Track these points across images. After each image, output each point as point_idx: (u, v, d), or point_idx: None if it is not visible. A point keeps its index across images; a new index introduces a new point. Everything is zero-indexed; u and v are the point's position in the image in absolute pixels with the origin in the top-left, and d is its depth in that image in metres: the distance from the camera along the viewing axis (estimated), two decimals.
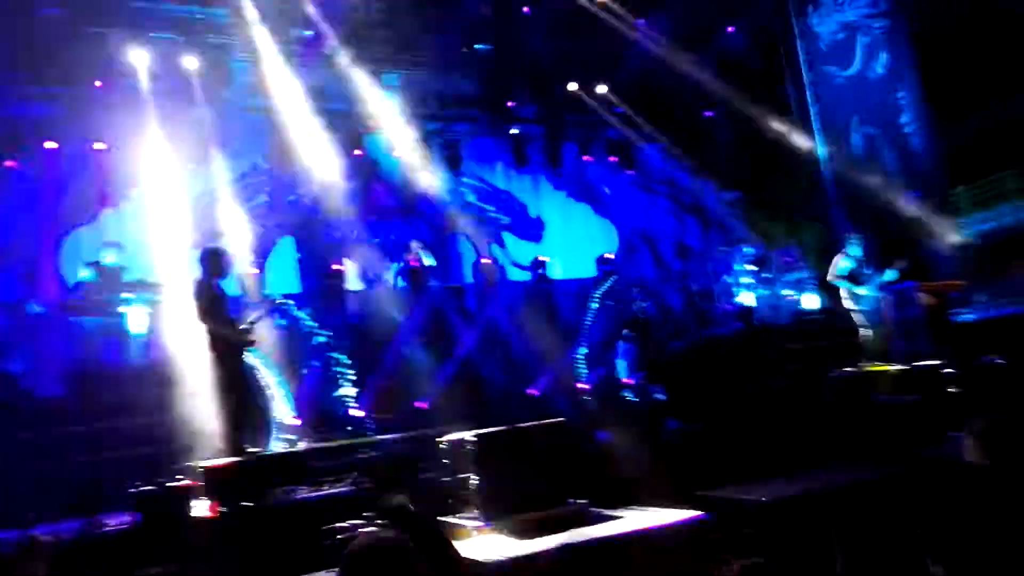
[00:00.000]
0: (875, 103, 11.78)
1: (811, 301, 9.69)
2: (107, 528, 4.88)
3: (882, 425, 6.61)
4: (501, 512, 5.59)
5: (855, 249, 8.96)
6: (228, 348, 6.09)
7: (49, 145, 9.74)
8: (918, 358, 7.90)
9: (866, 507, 4.94)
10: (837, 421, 6.81)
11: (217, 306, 6.13)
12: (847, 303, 8.84)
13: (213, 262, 6.37)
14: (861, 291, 8.75)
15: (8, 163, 9.52)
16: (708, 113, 14.12)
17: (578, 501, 5.55)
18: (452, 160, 12.69)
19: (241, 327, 6.27)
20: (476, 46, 12.66)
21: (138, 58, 9.97)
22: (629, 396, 8.62)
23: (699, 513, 5.29)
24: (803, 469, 5.93)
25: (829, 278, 8.96)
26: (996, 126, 9.96)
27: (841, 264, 8.87)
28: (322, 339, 7.82)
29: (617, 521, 5.26)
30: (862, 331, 8.67)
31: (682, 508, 5.42)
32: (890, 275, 8.68)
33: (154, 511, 4.87)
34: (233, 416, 6.10)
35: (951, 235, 10.36)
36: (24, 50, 9.29)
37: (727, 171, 13.95)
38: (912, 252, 9.53)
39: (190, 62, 10.48)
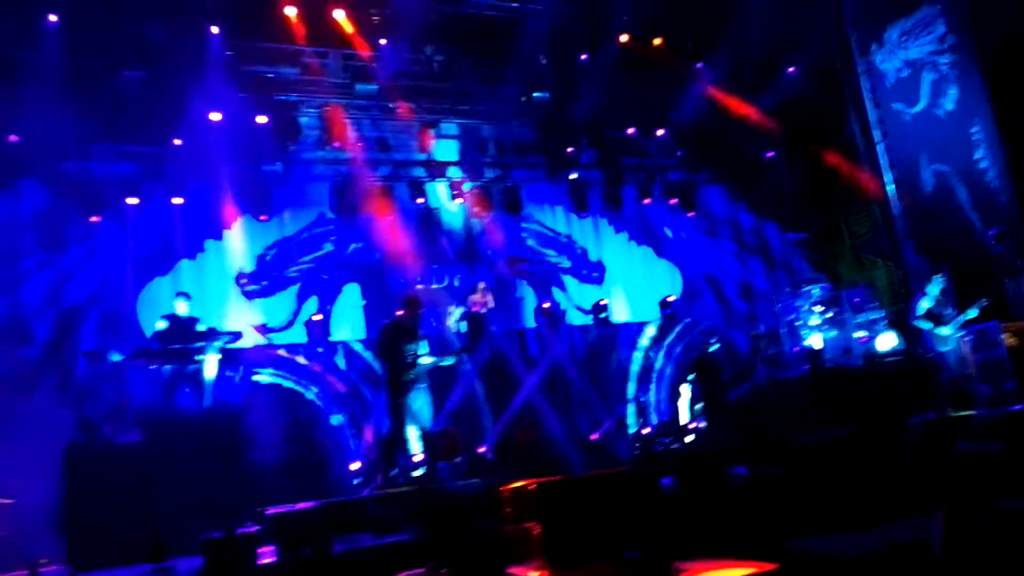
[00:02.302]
0: (945, 139, 11.47)
1: (886, 342, 9.33)
2: (176, 574, 4.97)
3: (964, 474, 6.26)
4: (564, 562, 5.50)
5: (934, 288, 8.68)
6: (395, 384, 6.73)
7: (131, 201, 10.25)
8: (1003, 402, 7.50)
9: (952, 561, 4.67)
10: (917, 469, 6.49)
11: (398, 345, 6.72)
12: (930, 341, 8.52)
13: (408, 306, 6.99)
14: (943, 331, 8.43)
15: (93, 219, 10.03)
16: (770, 153, 13.95)
17: (641, 551, 5.41)
18: (512, 205, 12.83)
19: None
20: (534, 94, 12.87)
21: (213, 116, 10.45)
22: (693, 441, 8.42)
23: (770, 566, 5.09)
24: (879, 520, 5.66)
25: (911, 320, 8.69)
26: None
27: (921, 304, 8.60)
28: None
29: (687, 573, 5.09)
30: (943, 374, 8.32)
31: (756, 558, 5.22)
32: (971, 314, 8.35)
33: (220, 556, 4.94)
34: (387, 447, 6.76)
35: None
36: (108, 111, 9.86)
37: (791, 211, 13.71)
38: (992, 290, 9.14)
39: (261, 119, 10.93)
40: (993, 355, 7.90)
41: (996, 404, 7.50)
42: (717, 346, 9.79)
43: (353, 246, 11.90)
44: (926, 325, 8.53)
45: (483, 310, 10.60)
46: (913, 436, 7.33)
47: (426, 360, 7.06)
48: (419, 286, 11.68)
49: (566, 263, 13.24)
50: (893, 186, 12.29)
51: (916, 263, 11.43)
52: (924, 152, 11.85)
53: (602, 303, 11.76)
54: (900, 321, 9.73)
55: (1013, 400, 7.43)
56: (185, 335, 7.59)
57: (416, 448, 7.31)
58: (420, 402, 6.95)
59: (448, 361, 7.01)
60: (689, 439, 8.75)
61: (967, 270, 9.93)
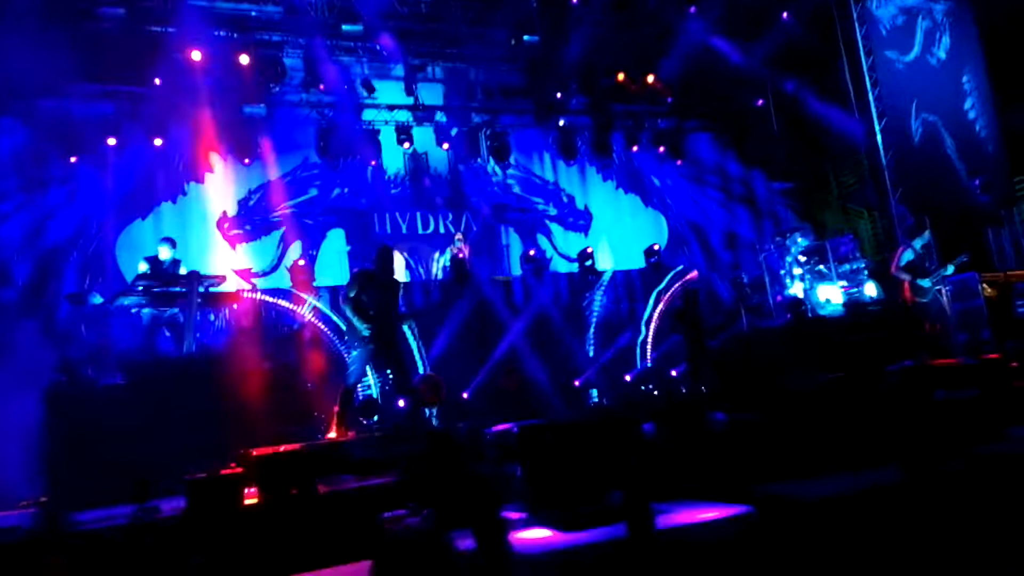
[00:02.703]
0: (936, 88, 11.38)
1: (869, 291, 9.41)
2: (158, 514, 5.01)
3: (940, 421, 6.38)
4: (545, 505, 5.58)
5: (918, 240, 8.72)
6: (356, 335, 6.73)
7: (110, 142, 10.06)
8: (980, 351, 7.61)
9: (920, 505, 4.78)
10: (893, 417, 6.60)
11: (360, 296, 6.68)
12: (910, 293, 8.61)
13: (380, 258, 6.90)
14: (923, 283, 8.51)
15: (72, 160, 9.85)
16: (759, 101, 13.80)
17: (623, 494, 5.49)
18: (499, 151, 12.70)
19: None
20: (523, 38, 12.61)
21: (194, 56, 10.20)
22: (675, 387, 8.53)
23: (746, 507, 5.20)
24: (856, 466, 5.76)
25: (892, 271, 8.73)
26: None
27: (904, 256, 8.65)
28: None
29: (662, 515, 5.18)
30: (923, 323, 8.41)
31: (729, 502, 5.33)
32: (949, 270, 8.41)
33: (203, 497, 4.98)
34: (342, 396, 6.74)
35: (1016, 223, 9.96)
36: (86, 52, 9.60)
37: (779, 160, 13.64)
38: (974, 241, 9.19)
39: (243, 59, 10.68)
40: (971, 305, 7.99)
41: (973, 352, 7.60)
42: (702, 295, 9.82)
43: (337, 191, 11.79)
44: (906, 277, 8.58)
45: (464, 257, 10.58)
46: (891, 384, 7.44)
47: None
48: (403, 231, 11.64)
49: (552, 211, 13.18)
50: (881, 136, 12.22)
51: (900, 213, 11.46)
52: (915, 101, 11.77)
53: (587, 251, 11.75)
54: (882, 272, 9.79)
55: (989, 348, 7.54)
56: (166, 278, 7.52)
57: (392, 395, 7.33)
58: (398, 350, 6.93)
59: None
60: (670, 385, 8.87)
61: (951, 220, 9.97)
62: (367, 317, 6.59)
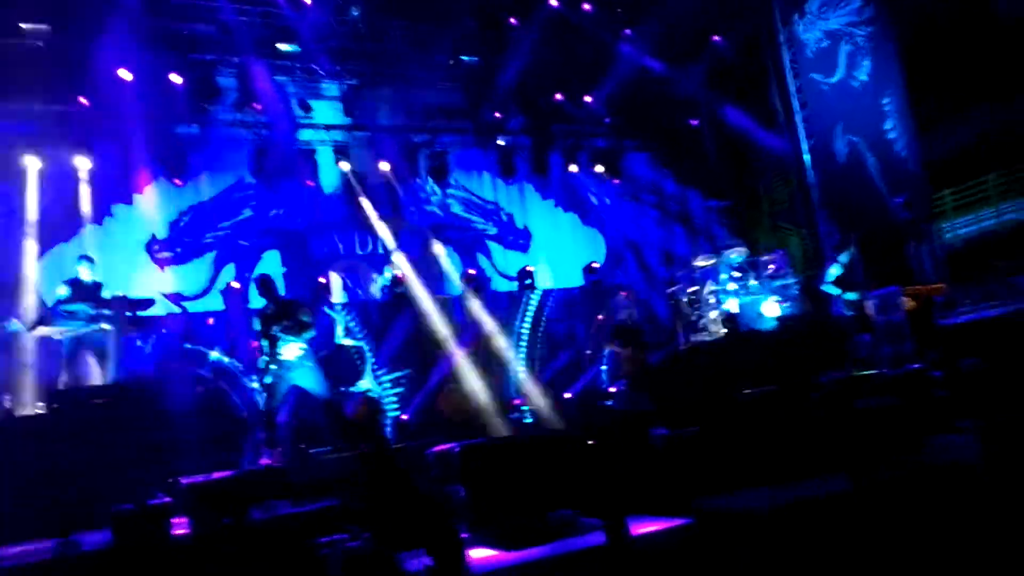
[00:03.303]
0: (858, 110, 11.83)
1: (771, 309, 9.72)
2: (81, 548, 4.80)
3: (864, 431, 6.58)
4: (488, 523, 5.56)
5: (844, 255, 9.04)
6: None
7: (32, 162, 9.68)
8: (903, 362, 7.89)
9: (849, 515, 4.91)
10: (822, 427, 6.78)
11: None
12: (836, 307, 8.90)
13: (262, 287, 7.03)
14: (849, 296, 8.80)
15: None
16: (694, 122, 14.16)
17: (565, 510, 5.51)
18: (439, 171, 12.71)
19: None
20: (462, 57, 12.69)
21: (124, 75, 9.93)
22: (614, 404, 8.58)
23: (686, 520, 5.26)
24: (787, 478, 5.89)
25: (820, 284, 9.03)
26: (981, 130, 10.03)
27: (831, 271, 8.95)
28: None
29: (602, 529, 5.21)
30: (850, 336, 8.69)
31: (669, 516, 5.39)
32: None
33: (130, 529, 4.79)
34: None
35: (935, 239, 10.41)
36: (9, 67, 9.26)
37: (713, 179, 14.00)
38: (897, 257, 9.56)
39: (175, 78, 10.45)
40: (893, 318, 8.28)
41: (896, 364, 7.88)
42: (639, 311, 9.98)
43: (274, 211, 11.60)
44: (834, 291, 8.90)
45: (404, 277, 10.51)
46: (818, 395, 7.66)
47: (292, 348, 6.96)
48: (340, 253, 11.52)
49: (492, 229, 13.23)
50: (809, 155, 12.66)
51: (828, 231, 11.85)
52: (839, 122, 12.22)
53: (527, 269, 11.80)
54: (810, 287, 10.10)
55: (911, 360, 7.83)
56: (89, 301, 7.25)
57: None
58: (306, 379, 6.92)
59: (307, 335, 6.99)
60: (609, 402, 8.92)
61: (875, 236, 10.35)
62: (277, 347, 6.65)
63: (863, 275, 8.87)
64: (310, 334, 7.00)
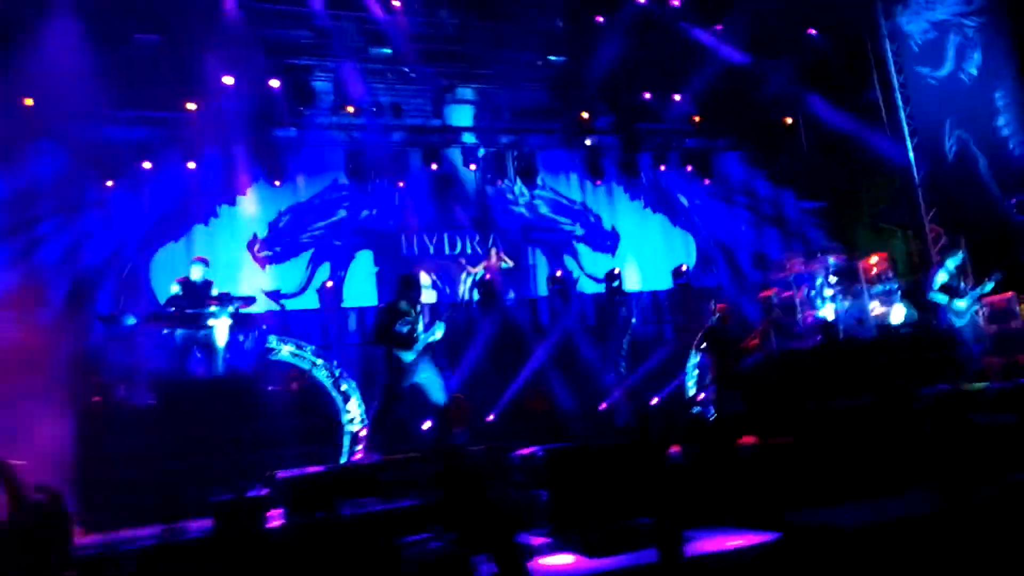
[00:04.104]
0: (968, 106, 11.21)
1: (898, 314, 9.23)
2: (186, 535, 5.07)
3: (977, 447, 6.22)
4: (570, 529, 5.55)
5: (952, 260, 8.54)
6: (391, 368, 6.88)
7: (145, 166, 10.28)
8: (1018, 374, 7.42)
9: (955, 535, 4.66)
10: (929, 441, 6.45)
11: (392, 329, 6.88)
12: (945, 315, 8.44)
13: (403, 286, 7.08)
14: (958, 305, 8.32)
15: (108, 183, 10.09)
16: (788, 119, 13.69)
17: (645, 519, 5.43)
18: (527, 172, 12.74)
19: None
20: (550, 57, 12.69)
21: (226, 81, 10.40)
22: (703, 410, 8.41)
23: (774, 534, 5.11)
24: (888, 492, 5.64)
25: (927, 293, 8.57)
26: None
27: (938, 277, 8.46)
28: None
29: (691, 541, 5.12)
30: (959, 346, 8.22)
31: (759, 528, 5.24)
32: (986, 288, 8.21)
33: (230, 519, 5.02)
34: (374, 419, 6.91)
35: None
36: (122, 76, 9.84)
37: (808, 179, 13.50)
38: (1010, 261, 8.97)
39: (274, 83, 10.87)
40: (1008, 327, 7.80)
41: (1009, 376, 7.41)
42: (730, 316, 9.72)
43: (366, 212, 11.91)
44: (941, 299, 8.40)
45: (499, 271, 10.56)
46: (926, 408, 7.28)
47: (416, 340, 7.01)
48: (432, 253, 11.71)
49: (579, 231, 13.16)
50: (913, 153, 12.05)
51: (935, 233, 11.26)
52: (948, 118, 11.60)
53: (614, 272, 11.70)
54: (915, 292, 9.60)
55: None
56: (198, 299, 7.65)
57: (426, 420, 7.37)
58: (426, 376, 6.99)
59: (436, 333, 6.97)
60: (698, 409, 8.75)
61: (986, 240, 9.78)
62: (401, 344, 6.71)
63: (973, 281, 8.37)
64: (439, 331, 7.06)
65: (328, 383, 8.22)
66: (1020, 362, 8.21)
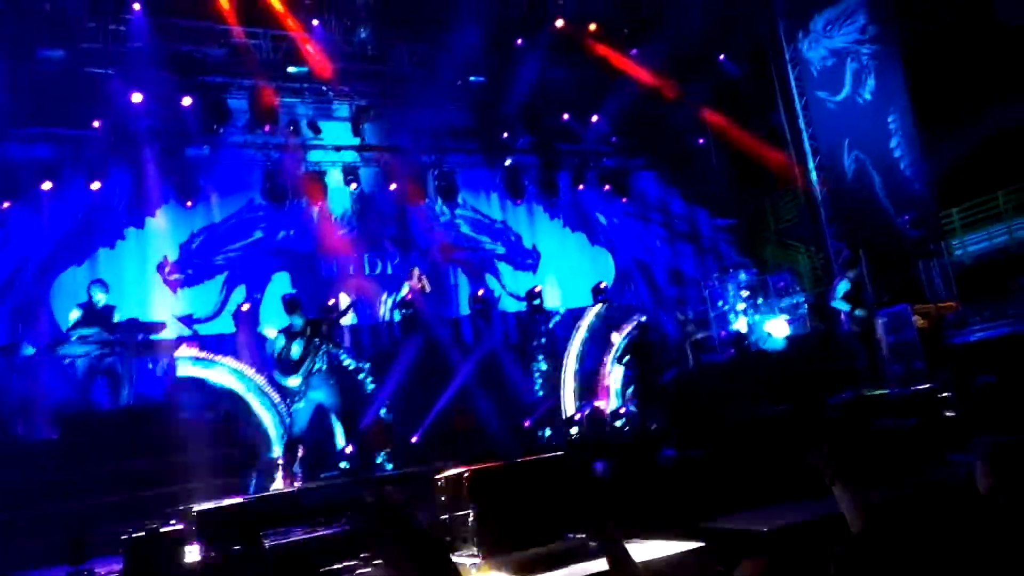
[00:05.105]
0: (864, 128, 11.87)
1: (779, 328, 9.66)
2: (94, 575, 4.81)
3: (882, 450, 6.54)
4: (499, 549, 5.51)
5: (853, 272, 8.98)
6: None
7: (45, 186, 9.79)
8: (914, 381, 7.85)
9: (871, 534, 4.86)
10: (837, 447, 6.74)
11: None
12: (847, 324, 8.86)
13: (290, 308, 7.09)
14: (859, 313, 8.74)
15: (4, 204, 9.55)
16: (700, 140, 14.21)
17: (577, 535, 5.47)
18: (447, 191, 12.76)
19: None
20: (470, 78, 12.78)
21: (135, 99, 10.05)
22: (623, 425, 8.56)
23: (699, 544, 5.22)
24: (802, 497, 5.86)
25: (830, 301, 8.99)
26: (988, 144, 10.02)
27: (840, 287, 8.89)
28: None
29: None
30: (859, 355, 8.64)
31: (682, 539, 5.34)
32: (884, 298, 8.69)
33: (142, 556, 4.79)
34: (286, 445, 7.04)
35: (945, 257, 10.38)
36: (24, 93, 9.39)
37: (720, 198, 14.01)
38: (905, 274, 9.51)
39: (186, 101, 10.56)
40: (904, 337, 8.24)
41: (907, 383, 7.83)
42: (648, 330, 9.95)
43: (283, 233, 11.65)
44: (844, 307, 8.80)
45: (420, 294, 10.52)
46: (833, 415, 7.62)
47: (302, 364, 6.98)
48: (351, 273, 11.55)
49: (501, 250, 13.24)
50: (816, 173, 12.67)
51: (837, 248, 11.83)
52: (846, 139, 12.25)
53: (536, 290, 11.83)
54: (820, 305, 10.06)
55: (922, 379, 7.78)
56: (101, 326, 7.30)
57: (340, 440, 7.26)
58: (328, 397, 6.92)
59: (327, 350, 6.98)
60: (619, 423, 8.89)
61: (884, 254, 10.33)
62: (293, 369, 6.64)
63: (872, 293, 8.83)
64: (338, 349, 7.02)
65: (261, 402, 7.99)
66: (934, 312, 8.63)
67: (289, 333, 6.80)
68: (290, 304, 7.10)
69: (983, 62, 10.13)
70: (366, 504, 5.79)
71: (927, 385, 7.38)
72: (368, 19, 12.14)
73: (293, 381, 6.65)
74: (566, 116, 13.23)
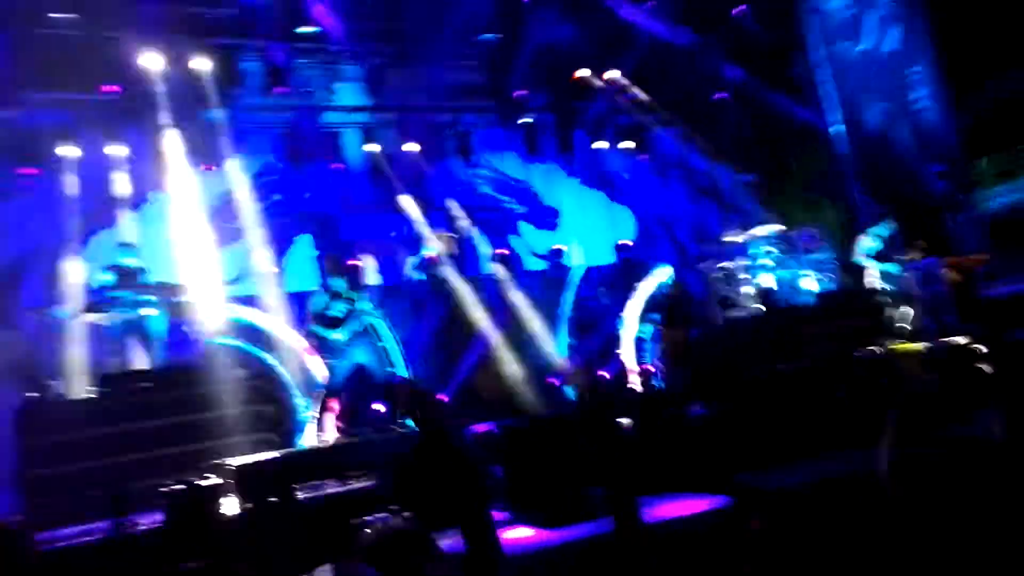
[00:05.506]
0: (889, 79, 11.64)
1: (811, 283, 9.61)
2: (137, 528, 4.93)
3: (909, 405, 6.53)
4: (527, 503, 5.62)
5: (880, 228, 8.89)
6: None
7: (67, 151, 9.80)
8: (945, 335, 7.80)
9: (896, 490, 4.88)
10: (863, 402, 6.74)
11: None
12: (873, 281, 8.77)
13: (333, 268, 7.12)
14: (888, 268, 8.66)
15: (28, 170, 9.58)
16: (720, 95, 13.98)
17: (602, 490, 5.54)
18: (464, 151, 12.67)
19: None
20: (483, 36, 12.61)
21: (151, 61, 9.99)
22: (652, 380, 8.59)
23: (724, 499, 5.28)
24: (827, 452, 5.89)
25: (855, 257, 8.91)
26: (1019, 93, 9.79)
27: (866, 243, 8.80)
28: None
29: (646, 509, 5.24)
30: (888, 310, 8.58)
31: (710, 493, 5.41)
32: (913, 253, 8.60)
33: (181, 509, 4.91)
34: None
35: (974, 208, 10.22)
36: (40, 58, 9.36)
37: (742, 153, 13.83)
38: (934, 227, 9.39)
39: (201, 63, 10.49)
40: (935, 290, 8.17)
41: (939, 337, 7.79)
42: (681, 288, 9.94)
43: (303, 195, 11.63)
44: (869, 263, 8.74)
45: (442, 254, 10.53)
46: (858, 369, 7.61)
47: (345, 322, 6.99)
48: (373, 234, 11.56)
49: (521, 209, 13.18)
50: (841, 126, 12.46)
51: (864, 202, 11.68)
52: (870, 91, 12.01)
53: (558, 248, 11.80)
54: (848, 260, 9.97)
55: (954, 332, 7.74)
56: (133, 287, 7.38)
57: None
58: (367, 358, 6.98)
59: (368, 316, 7.00)
60: (648, 380, 8.93)
61: (911, 207, 10.20)
62: (328, 325, 6.67)
63: (902, 247, 8.74)
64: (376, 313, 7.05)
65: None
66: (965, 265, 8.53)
67: (332, 292, 6.83)
68: (333, 264, 7.13)
69: (1013, 8, 9.85)
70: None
71: (958, 339, 7.33)
72: None
73: (337, 335, 6.69)
74: (582, 72, 13.03)
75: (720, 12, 13.08)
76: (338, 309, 6.77)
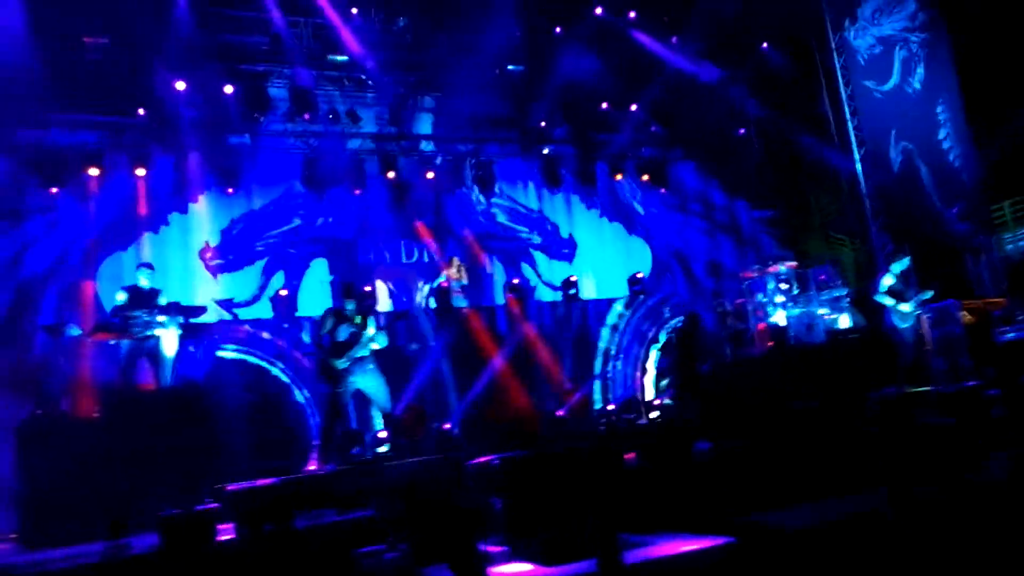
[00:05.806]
0: (912, 118, 11.56)
1: (844, 320, 9.48)
2: (131, 551, 4.93)
3: (922, 448, 6.38)
4: (527, 537, 5.52)
5: (898, 265, 8.77)
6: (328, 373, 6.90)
7: (92, 172, 10.02)
8: (959, 378, 7.65)
9: (900, 532, 4.77)
10: (876, 443, 6.60)
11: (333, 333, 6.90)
12: (895, 319, 8.67)
13: (344, 293, 7.16)
14: (903, 308, 8.53)
15: (52, 190, 9.81)
16: (741, 130, 13.97)
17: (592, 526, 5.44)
18: (484, 181, 12.75)
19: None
20: (508, 67, 12.74)
21: (178, 86, 10.22)
22: (659, 415, 8.49)
23: (728, 538, 5.16)
24: (838, 493, 5.76)
25: (875, 295, 8.81)
26: None
27: (884, 281, 8.69)
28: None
29: (644, 547, 5.15)
30: (902, 350, 8.45)
31: (712, 533, 5.29)
32: (928, 294, 8.47)
33: (177, 534, 4.90)
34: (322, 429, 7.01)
35: (994, 251, 10.07)
36: (70, 80, 9.60)
37: (761, 188, 13.77)
38: (953, 267, 9.25)
39: (228, 89, 10.71)
40: (950, 331, 8.03)
41: (952, 380, 7.63)
42: (691, 322, 9.85)
43: (321, 220, 11.77)
44: (888, 301, 8.62)
45: (456, 284, 10.54)
46: (873, 410, 7.46)
47: (358, 346, 6.97)
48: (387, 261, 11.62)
49: (537, 239, 13.21)
50: (861, 164, 12.39)
51: (882, 241, 11.56)
52: (893, 130, 11.94)
53: (571, 279, 11.77)
54: (863, 299, 9.84)
55: (967, 375, 7.58)
56: (146, 308, 7.46)
57: (376, 426, 7.31)
58: (370, 384, 6.95)
59: (376, 342, 6.95)
60: (655, 415, 8.82)
61: (930, 247, 10.07)
62: (338, 353, 6.66)
63: (918, 287, 8.61)
64: (381, 341, 7.03)
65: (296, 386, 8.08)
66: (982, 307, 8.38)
67: (340, 315, 6.84)
68: (346, 290, 7.17)
69: None
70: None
71: (973, 382, 7.18)
72: (407, 8, 12.15)
73: (339, 363, 6.68)
74: (604, 105, 13.10)
75: (745, 48, 13.12)
76: (344, 333, 6.75)
